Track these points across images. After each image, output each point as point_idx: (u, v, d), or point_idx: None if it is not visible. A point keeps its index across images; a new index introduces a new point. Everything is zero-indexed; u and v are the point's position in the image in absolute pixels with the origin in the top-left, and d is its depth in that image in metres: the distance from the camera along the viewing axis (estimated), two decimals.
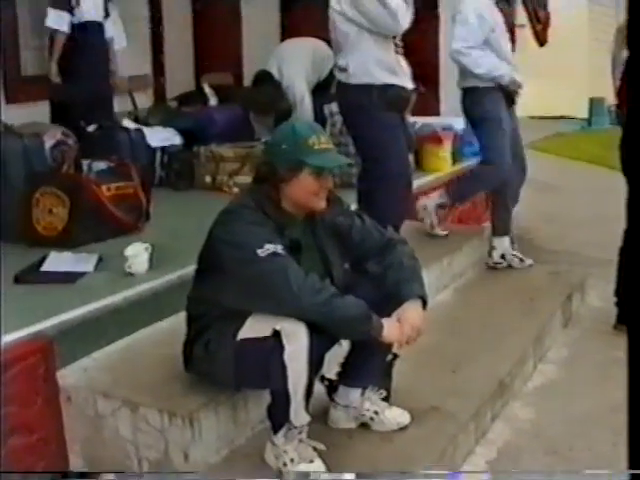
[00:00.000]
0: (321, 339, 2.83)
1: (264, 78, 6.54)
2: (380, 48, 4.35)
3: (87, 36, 6.42)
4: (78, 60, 6.37)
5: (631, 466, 2.44)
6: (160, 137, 6.66)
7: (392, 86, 4.39)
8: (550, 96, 13.64)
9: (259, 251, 2.80)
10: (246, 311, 2.93)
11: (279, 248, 2.84)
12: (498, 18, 5.25)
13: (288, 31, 8.20)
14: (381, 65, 4.37)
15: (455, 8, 5.25)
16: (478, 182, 5.57)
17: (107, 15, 6.62)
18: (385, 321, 2.91)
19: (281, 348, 2.78)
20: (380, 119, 4.37)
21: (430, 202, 5.52)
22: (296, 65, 6.48)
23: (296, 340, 2.77)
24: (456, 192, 5.57)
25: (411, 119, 5.49)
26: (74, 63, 6.37)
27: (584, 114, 14.71)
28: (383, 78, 4.36)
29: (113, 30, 6.77)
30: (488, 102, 5.25)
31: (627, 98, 4.87)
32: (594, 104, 14.47)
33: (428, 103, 7.31)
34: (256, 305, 2.90)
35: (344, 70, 4.43)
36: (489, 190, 5.72)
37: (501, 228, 5.63)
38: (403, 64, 4.48)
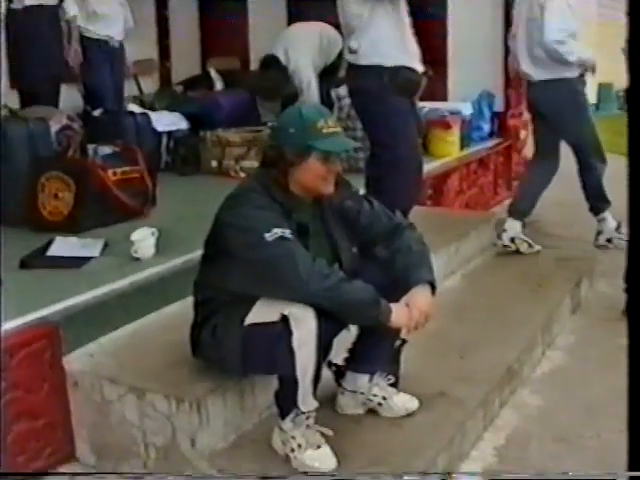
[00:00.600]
0: (329, 324, 2.80)
1: (271, 62, 6.50)
2: (393, 28, 4.31)
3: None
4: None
5: (631, 467, 2.42)
6: (166, 121, 6.66)
7: (403, 68, 4.34)
8: None
9: (266, 235, 2.78)
10: (254, 296, 2.90)
11: (287, 232, 2.81)
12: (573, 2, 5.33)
13: (295, 15, 8.14)
14: (393, 45, 4.32)
15: None
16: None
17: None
18: (393, 306, 2.89)
19: (289, 333, 2.76)
20: (390, 103, 4.33)
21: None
22: (303, 49, 6.45)
23: (304, 325, 2.75)
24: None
25: (419, 104, 5.46)
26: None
27: (592, 100, 14.64)
28: (394, 58, 4.31)
29: (121, 12, 6.77)
30: (580, 93, 5.55)
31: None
32: (602, 89, 14.42)
33: (436, 88, 7.27)
34: (263, 290, 2.87)
35: (354, 52, 4.40)
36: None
37: (521, 211, 5.75)
38: (415, 46, 4.43)
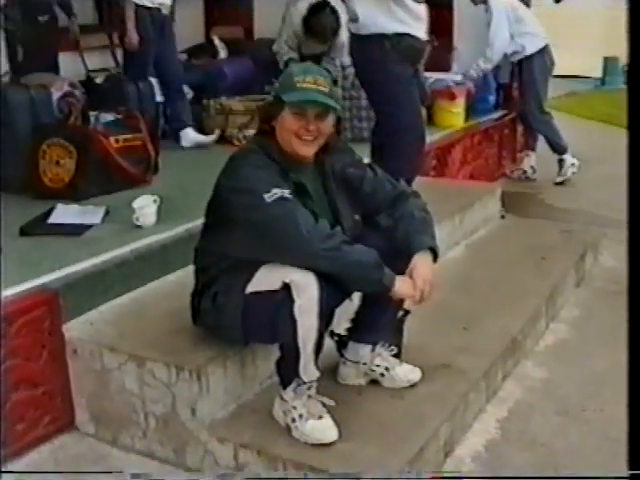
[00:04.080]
0: (332, 293, 2.77)
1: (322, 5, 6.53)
2: None
3: None
4: None
5: (631, 466, 2.40)
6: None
7: (404, 36, 4.27)
8: (564, 55, 13.48)
9: (266, 196, 2.75)
10: (255, 263, 2.87)
11: (286, 192, 2.79)
12: None
13: None
14: (389, 14, 4.25)
15: None
16: None
17: None
18: (397, 277, 2.86)
19: (291, 301, 2.73)
20: (393, 71, 4.28)
21: None
22: None
23: (306, 293, 2.72)
24: None
25: (425, 74, 5.41)
26: None
27: (598, 73, 14.56)
28: (393, 28, 4.25)
29: None
30: None
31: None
32: (608, 63, 14.34)
33: (441, 58, 7.22)
34: (265, 253, 2.83)
35: (355, 21, 4.35)
36: None
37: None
38: (418, 13, 4.35)
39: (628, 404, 2.42)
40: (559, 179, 7.32)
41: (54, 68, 6.33)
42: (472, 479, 3.06)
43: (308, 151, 2.92)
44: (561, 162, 7.32)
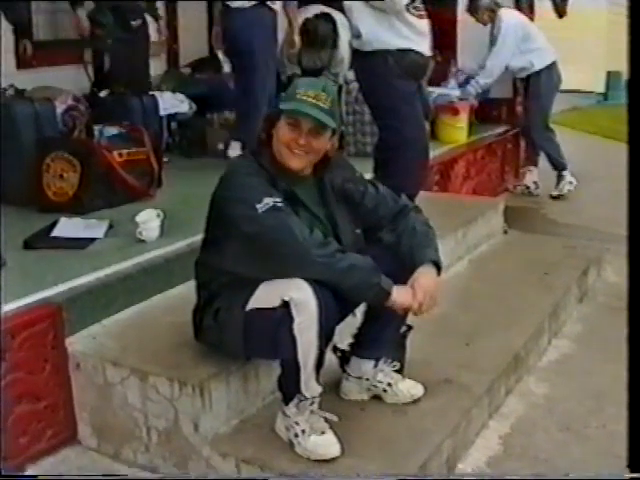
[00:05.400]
0: (331, 311, 2.77)
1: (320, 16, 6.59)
2: (389, 13, 4.26)
3: None
4: None
5: (631, 468, 2.39)
6: (166, 104, 6.58)
7: (408, 51, 4.29)
8: (566, 69, 13.51)
9: (258, 206, 2.77)
10: (255, 279, 2.87)
11: (278, 201, 2.80)
12: None
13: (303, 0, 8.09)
14: (392, 30, 4.27)
15: None
16: None
17: None
18: (396, 286, 2.86)
19: (290, 319, 2.73)
20: (396, 87, 4.29)
21: None
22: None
23: (305, 311, 2.72)
24: None
25: (428, 88, 5.42)
26: None
27: (601, 88, 14.57)
28: (396, 43, 4.27)
29: None
30: None
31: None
32: (611, 78, 14.35)
33: (445, 72, 7.24)
34: (262, 264, 2.84)
35: (358, 37, 4.36)
36: None
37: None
38: (421, 28, 4.37)
39: (628, 404, 2.41)
40: (555, 193, 7.41)
41: (144, 76, 6.29)
42: None
43: (297, 164, 2.92)
44: (560, 177, 7.40)
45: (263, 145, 2.96)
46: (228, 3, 5.65)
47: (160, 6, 7.64)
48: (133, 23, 6.15)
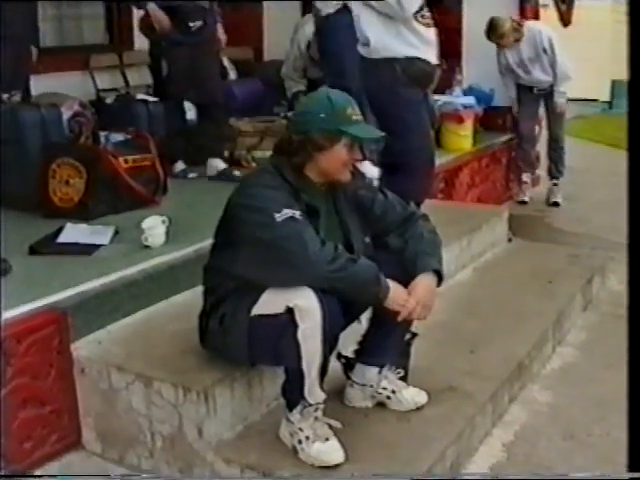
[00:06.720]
0: (335, 318, 2.78)
1: None
2: (397, 22, 4.27)
3: None
4: None
5: (631, 468, 2.39)
6: None
7: (415, 60, 4.29)
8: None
9: (277, 215, 2.77)
10: (261, 285, 2.87)
11: (297, 213, 2.81)
12: None
13: (309, 6, 8.10)
14: (399, 38, 4.27)
15: None
16: None
17: None
18: (392, 288, 2.87)
19: (294, 326, 2.75)
20: (403, 95, 4.29)
21: None
22: None
23: (310, 318, 2.73)
24: None
25: (434, 97, 5.42)
26: None
27: (606, 97, 14.55)
28: (403, 52, 4.27)
29: None
30: None
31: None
32: (616, 87, 14.33)
33: (450, 81, 7.25)
34: (271, 271, 2.84)
35: (366, 45, 4.36)
36: None
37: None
38: (428, 37, 4.37)
39: (628, 404, 2.41)
40: (552, 199, 7.49)
41: (209, 83, 5.97)
42: None
43: (348, 176, 3.01)
44: (555, 185, 7.49)
45: (290, 162, 2.95)
46: None
47: None
48: (191, 25, 5.73)
